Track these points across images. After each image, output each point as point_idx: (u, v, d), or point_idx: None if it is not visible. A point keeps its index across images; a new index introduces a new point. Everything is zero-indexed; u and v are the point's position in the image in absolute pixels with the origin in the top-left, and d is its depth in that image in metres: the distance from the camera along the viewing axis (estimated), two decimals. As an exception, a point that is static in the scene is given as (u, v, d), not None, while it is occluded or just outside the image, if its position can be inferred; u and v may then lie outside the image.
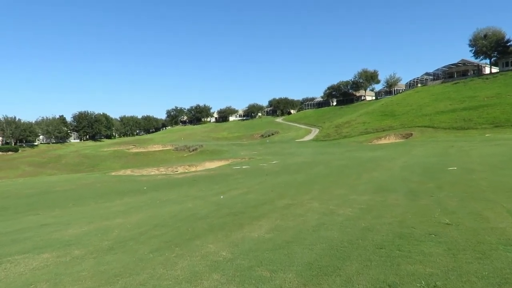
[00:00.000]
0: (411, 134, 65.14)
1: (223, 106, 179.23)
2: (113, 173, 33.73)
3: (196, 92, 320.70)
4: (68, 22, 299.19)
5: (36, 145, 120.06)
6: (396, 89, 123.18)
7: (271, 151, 57.04)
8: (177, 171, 36.82)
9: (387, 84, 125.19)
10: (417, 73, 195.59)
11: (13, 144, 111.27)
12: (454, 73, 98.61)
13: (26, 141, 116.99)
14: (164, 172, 35.44)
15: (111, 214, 11.01)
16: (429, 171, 16.83)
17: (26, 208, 13.59)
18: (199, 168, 38.19)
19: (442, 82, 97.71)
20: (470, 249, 5.46)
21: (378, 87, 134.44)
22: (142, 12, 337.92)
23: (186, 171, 37.22)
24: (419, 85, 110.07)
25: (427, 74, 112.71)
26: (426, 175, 15.27)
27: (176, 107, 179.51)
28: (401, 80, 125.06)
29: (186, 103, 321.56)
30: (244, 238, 6.97)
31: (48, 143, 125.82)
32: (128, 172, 34.85)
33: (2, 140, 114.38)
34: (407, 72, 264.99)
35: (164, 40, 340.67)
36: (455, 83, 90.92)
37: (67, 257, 6.46)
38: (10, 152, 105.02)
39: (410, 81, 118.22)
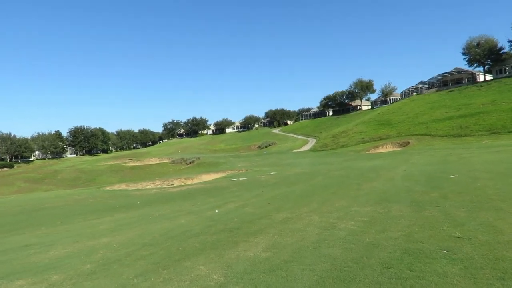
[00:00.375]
0: (409, 142, 64.99)
1: (219, 118, 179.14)
2: (107, 188, 33.02)
3: (193, 105, 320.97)
4: (63, 36, 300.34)
5: (32, 161, 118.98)
6: (392, 98, 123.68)
7: (269, 162, 56.49)
8: (173, 184, 36.15)
9: (383, 93, 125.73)
10: (412, 82, 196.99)
11: (8, 160, 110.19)
12: (448, 81, 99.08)
13: (21, 157, 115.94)
14: (160, 186, 34.77)
15: (98, 232, 10.38)
16: (431, 180, 16.30)
17: (11, 227, 12.91)
18: (195, 180, 37.52)
19: (437, 91, 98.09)
20: (489, 267, 4.90)
21: (373, 96, 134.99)
22: (137, 25, 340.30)
23: (182, 184, 36.55)
24: (414, 93, 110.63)
25: (422, 83, 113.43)
26: (429, 184, 14.73)
27: (173, 120, 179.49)
28: (396, 89, 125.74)
29: (183, 116, 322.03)
30: (239, 257, 6.38)
31: (44, 159, 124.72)
32: (123, 186, 34.15)
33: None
34: (402, 81, 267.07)
35: (159, 52, 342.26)
36: (450, 91, 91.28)
37: (43, 283, 5.84)
38: (5, 169, 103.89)
39: (405, 90, 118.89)
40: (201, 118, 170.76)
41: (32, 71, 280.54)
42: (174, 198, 18.99)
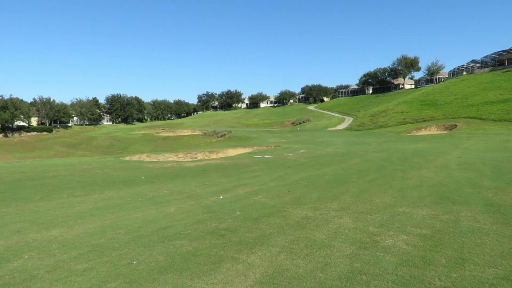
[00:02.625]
0: (455, 125, 60.03)
1: (254, 92, 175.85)
2: (127, 158, 31.42)
3: (228, 78, 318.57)
4: (101, 6, 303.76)
5: (70, 126, 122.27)
6: (438, 77, 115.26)
7: (301, 139, 53.37)
8: (196, 158, 34.09)
9: (429, 71, 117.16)
10: (462, 61, 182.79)
11: (47, 125, 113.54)
12: (505, 61, 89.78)
13: (60, 122, 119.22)
14: (182, 159, 32.78)
15: (61, 218, 8.05)
16: (500, 171, 12.77)
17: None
18: (219, 155, 35.23)
19: (491, 70, 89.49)
20: None
21: (418, 75, 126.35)
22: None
23: (206, 157, 34.42)
24: (464, 73, 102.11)
25: (473, 61, 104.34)
26: (500, 178, 11.28)
27: (208, 92, 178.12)
28: (444, 67, 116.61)
29: (218, 88, 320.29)
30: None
31: (81, 125, 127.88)
32: (144, 157, 32.46)
33: (38, 120, 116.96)
34: (450, 60, 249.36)
35: (197, 25, 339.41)
36: (506, 71, 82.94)
37: None
38: (44, 132, 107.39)
39: (454, 69, 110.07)
40: (235, 91, 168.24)
41: (71, 38, 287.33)
42: (184, 175, 16.58)
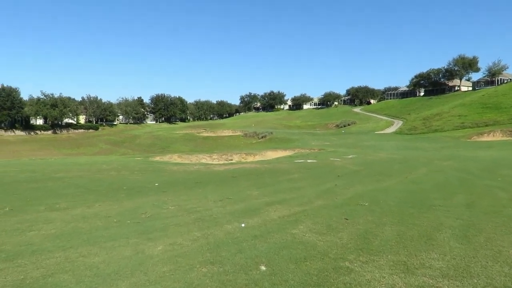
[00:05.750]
0: None
1: (297, 93, 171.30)
2: (157, 158, 29.03)
3: (271, 79, 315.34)
4: (149, 9, 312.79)
5: (115, 125, 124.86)
6: (500, 79, 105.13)
7: (346, 143, 48.93)
8: (231, 160, 31.08)
9: (490, 72, 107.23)
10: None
11: (94, 123, 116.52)
12: None
13: (106, 120, 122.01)
14: (216, 161, 29.88)
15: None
16: None
17: None
18: (257, 157, 31.99)
19: None
20: None
21: (476, 76, 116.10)
22: (219, 1, 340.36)
23: (242, 159, 31.32)
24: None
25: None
26: None
27: (250, 93, 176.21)
28: (507, 68, 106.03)
29: (260, 90, 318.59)
30: None
31: (126, 123, 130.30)
32: (175, 157, 29.94)
33: (85, 118, 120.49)
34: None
35: (241, 27, 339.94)
36: None
37: None
38: (91, 130, 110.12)
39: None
40: (278, 92, 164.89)
41: (120, 41, 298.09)
42: (208, 182, 13.40)
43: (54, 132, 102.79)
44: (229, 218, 7.41)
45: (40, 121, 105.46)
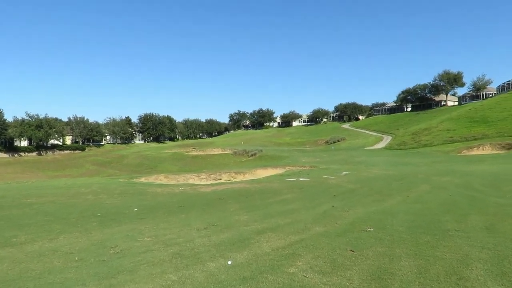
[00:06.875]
0: None
1: (286, 110, 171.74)
2: (142, 179, 27.61)
3: (259, 97, 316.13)
4: (134, 27, 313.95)
5: (103, 145, 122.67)
6: (485, 93, 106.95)
7: (338, 159, 48.09)
8: (220, 179, 29.82)
9: (475, 87, 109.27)
10: (510, 76, 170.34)
11: (80, 143, 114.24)
12: None
13: (93, 141, 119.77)
14: (204, 181, 28.59)
15: None
16: None
17: None
18: (247, 176, 30.78)
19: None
20: None
21: (461, 91, 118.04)
22: (207, 18, 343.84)
23: (232, 178, 30.09)
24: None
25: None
26: None
27: (239, 111, 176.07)
28: (491, 82, 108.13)
29: (249, 107, 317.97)
30: None
31: (114, 143, 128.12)
32: (161, 177, 28.53)
33: (72, 139, 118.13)
34: (496, 75, 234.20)
35: (228, 44, 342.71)
36: None
37: None
38: (77, 151, 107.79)
39: (504, 83, 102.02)
40: (267, 110, 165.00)
41: (106, 59, 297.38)
42: (192, 206, 12.15)
43: (39, 154, 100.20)
44: (213, 252, 6.22)
45: (24, 143, 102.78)
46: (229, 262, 5.56)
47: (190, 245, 6.82)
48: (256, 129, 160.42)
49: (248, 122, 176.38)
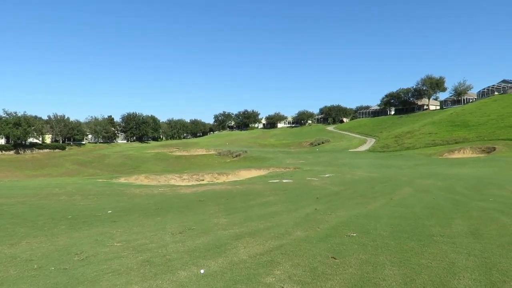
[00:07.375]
0: (494, 148, 55.11)
1: (271, 112, 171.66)
2: (122, 179, 26.82)
3: (245, 98, 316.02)
4: (118, 26, 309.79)
5: (84, 144, 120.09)
6: (466, 98, 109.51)
7: (322, 161, 48.09)
8: (202, 180, 29.29)
9: (456, 92, 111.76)
10: (490, 82, 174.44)
11: (61, 142, 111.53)
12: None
13: (74, 140, 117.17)
14: (186, 181, 27.99)
15: None
16: None
17: None
18: (230, 177, 30.33)
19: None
20: None
21: (443, 95, 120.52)
22: (195, 17, 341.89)
23: (214, 179, 29.59)
24: (496, 93, 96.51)
25: (504, 81, 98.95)
26: None
27: (224, 112, 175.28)
28: (472, 88, 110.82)
29: (234, 108, 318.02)
30: None
31: (96, 143, 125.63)
32: (141, 178, 27.82)
33: (52, 138, 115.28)
34: (476, 81, 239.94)
35: (214, 45, 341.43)
36: (542, 91, 77.35)
37: None
38: (57, 150, 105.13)
39: (484, 89, 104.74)
40: (252, 111, 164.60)
41: (88, 57, 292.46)
42: (169, 208, 11.67)
43: (17, 152, 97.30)
44: (186, 259, 5.78)
45: (1, 141, 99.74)
46: (202, 271, 5.13)
47: (162, 251, 6.36)
48: (241, 130, 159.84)
49: (233, 123, 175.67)
